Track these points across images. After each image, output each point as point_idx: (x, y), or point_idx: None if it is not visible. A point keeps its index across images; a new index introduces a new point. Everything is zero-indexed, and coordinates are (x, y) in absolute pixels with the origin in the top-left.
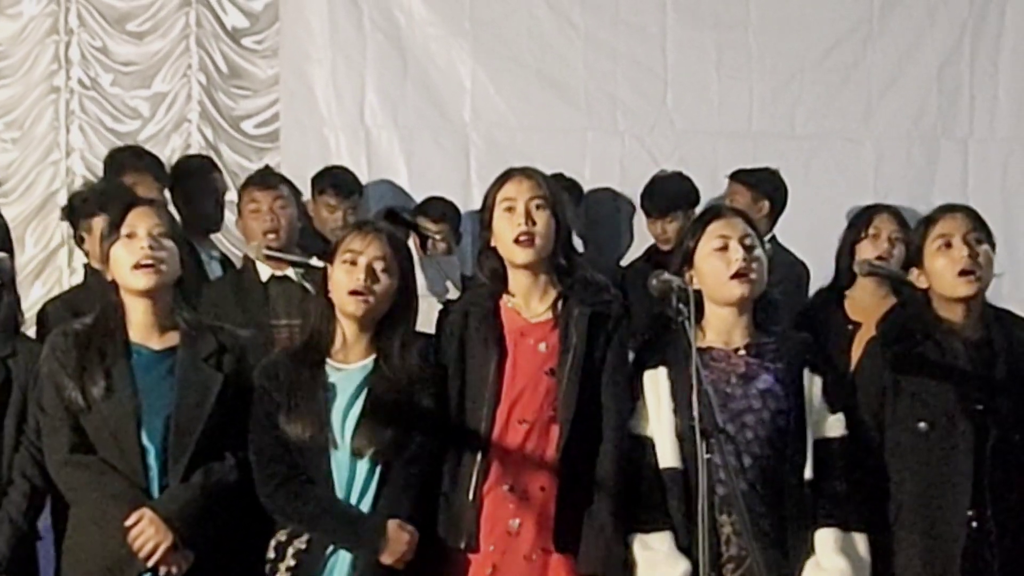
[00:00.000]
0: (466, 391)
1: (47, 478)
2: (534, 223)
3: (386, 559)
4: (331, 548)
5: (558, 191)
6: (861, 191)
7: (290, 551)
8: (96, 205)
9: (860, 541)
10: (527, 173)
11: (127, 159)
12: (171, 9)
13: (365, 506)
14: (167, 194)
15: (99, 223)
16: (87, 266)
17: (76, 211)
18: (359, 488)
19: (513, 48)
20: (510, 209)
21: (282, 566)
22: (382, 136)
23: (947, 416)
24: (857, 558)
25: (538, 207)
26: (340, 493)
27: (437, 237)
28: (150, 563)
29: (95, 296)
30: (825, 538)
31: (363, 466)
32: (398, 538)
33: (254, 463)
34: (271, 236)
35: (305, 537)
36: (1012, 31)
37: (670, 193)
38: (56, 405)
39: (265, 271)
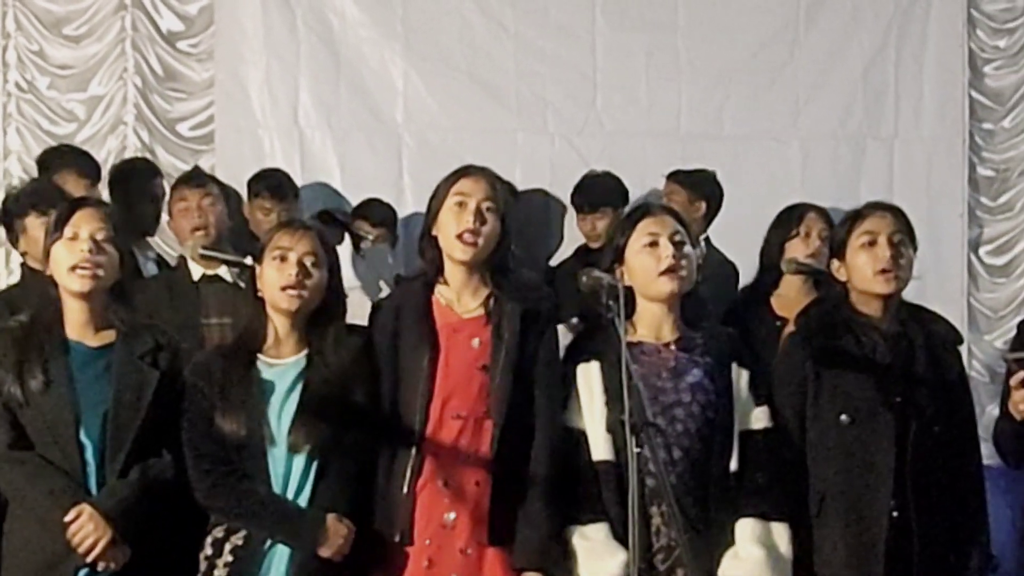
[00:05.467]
0: (400, 386)
1: None
2: (483, 223)
3: (325, 552)
4: (269, 543)
5: (508, 197)
6: (789, 191)
7: (227, 547)
8: (28, 204)
9: (780, 531)
10: (485, 174)
11: (52, 158)
12: (107, 13)
13: (302, 501)
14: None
15: (32, 222)
16: (23, 265)
17: (9, 211)
18: (296, 483)
19: (445, 50)
20: (461, 205)
21: (220, 562)
22: (316, 137)
23: (868, 409)
24: (776, 548)
25: (488, 209)
26: (277, 488)
27: (371, 238)
28: (89, 559)
29: (32, 294)
30: (744, 528)
31: (299, 461)
32: (336, 532)
33: (189, 460)
34: (199, 233)
35: (242, 533)
36: (936, 33)
37: (601, 189)
38: None
39: (197, 270)
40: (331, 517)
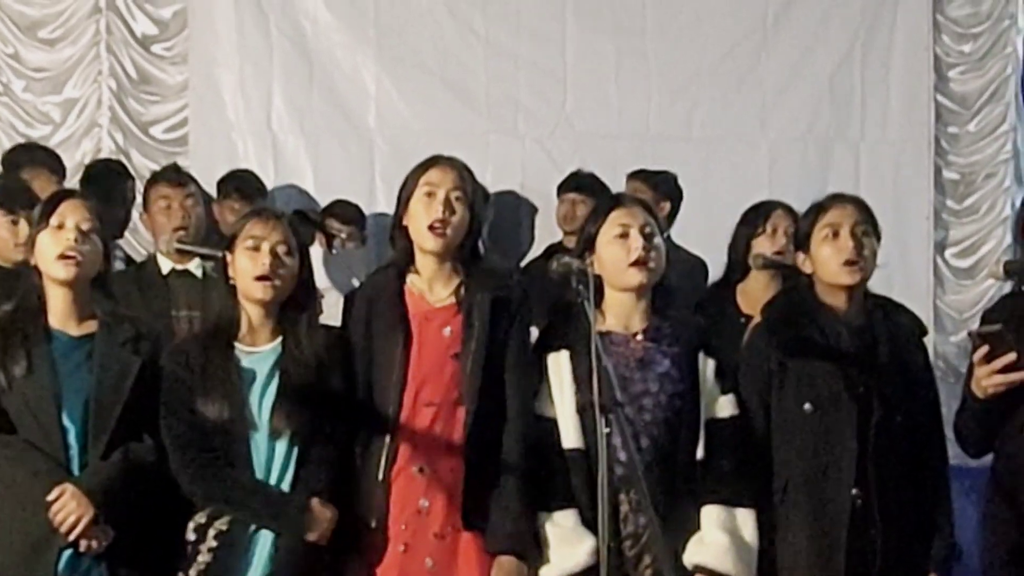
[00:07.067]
0: (373, 375)
1: None
2: (452, 213)
3: (311, 537)
4: (253, 528)
5: (476, 187)
6: (757, 192)
7: (211, 532)
8: None
9: (745, 517)
10: (453, 164)
11: (21, 156)
12: (82, 16)
13: (284, 486)
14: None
15: None
16: None
17: None
18: (278, 468)
19: (416, 54)
20: (430, 195)
21: (204, 547)
22: (289, 141)
23: (832, 398)
24: (740, 533)
25: (457, 199)
26: (259, 474)
27: (344, 236)
28: (71, 537)
29: None
30: (709, 514)
31: (281, 447)
32: (321, 516)
33: (171, 448)
34: (181, 232)
35: (226, 518)
36: (902, 38)
37: (591, 178)
38: None
39: (166, 265)
40: (315, 501)
